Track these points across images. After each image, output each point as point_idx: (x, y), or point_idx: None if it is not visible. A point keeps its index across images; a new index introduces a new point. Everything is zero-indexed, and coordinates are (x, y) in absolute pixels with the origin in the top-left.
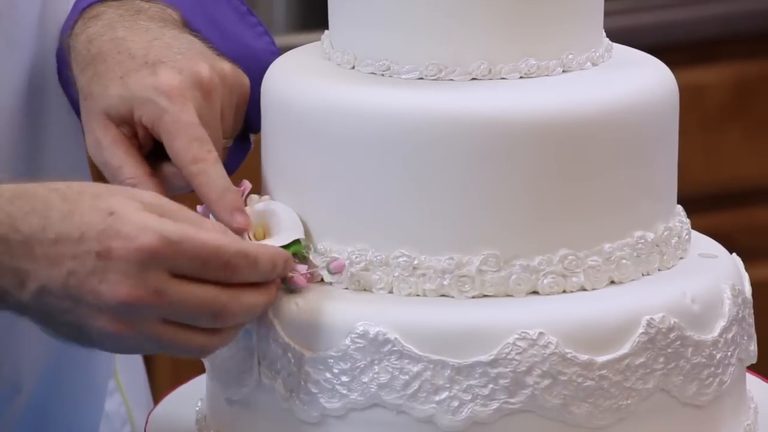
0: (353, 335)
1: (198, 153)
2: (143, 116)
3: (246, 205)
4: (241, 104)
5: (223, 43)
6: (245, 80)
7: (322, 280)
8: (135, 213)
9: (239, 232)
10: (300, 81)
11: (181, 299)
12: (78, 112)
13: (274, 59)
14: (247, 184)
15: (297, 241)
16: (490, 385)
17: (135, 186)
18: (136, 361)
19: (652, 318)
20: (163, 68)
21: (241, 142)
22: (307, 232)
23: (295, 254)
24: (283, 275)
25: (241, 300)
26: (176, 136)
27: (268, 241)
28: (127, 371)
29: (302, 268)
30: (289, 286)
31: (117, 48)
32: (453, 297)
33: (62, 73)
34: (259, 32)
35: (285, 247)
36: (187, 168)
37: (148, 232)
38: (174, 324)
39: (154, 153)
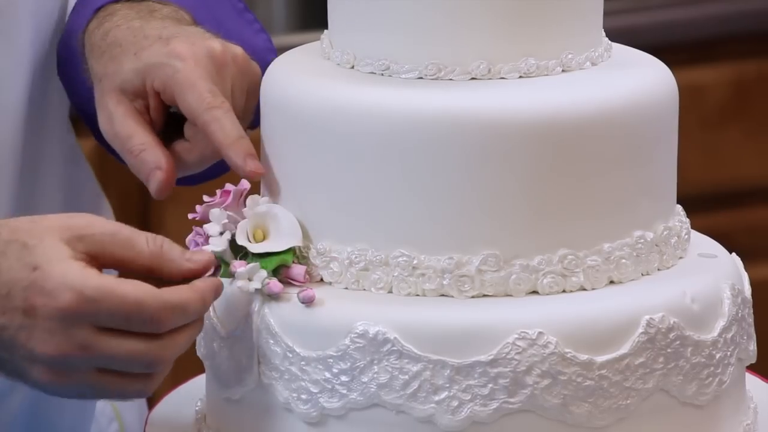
0: (353, 335)
1: (212, 101)
2: (155, 80)
3: (245, 206)
4: (253, 91)
5: (214, 21)
6: (257, 68)
7: (322, 279)
8: (58, 266)
9: (252, 177)
10: (300, 81)
11: (109, 353)
12: (78, 108)
13: (273, 56)
14: (245, 184)
15: (290, 250)
16: (490, 385)
17: (143, 151)
18: None
19: (651, 318)
20: (176, 40)
21: None
22: (306, 232)
23: (283, 263)
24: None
25: (173, 345)
26: (189, 89)
27: (265, 244)
28: None
29: (299, 269)
30: (265, 293)
31: (132, 33)
32: (453, 297)
33: (65, 69)
34: (257, 29)
35: (278, 253)
36: (201, 116)
37: (67, 291)
38: (109, 372)
39: (165, 136)
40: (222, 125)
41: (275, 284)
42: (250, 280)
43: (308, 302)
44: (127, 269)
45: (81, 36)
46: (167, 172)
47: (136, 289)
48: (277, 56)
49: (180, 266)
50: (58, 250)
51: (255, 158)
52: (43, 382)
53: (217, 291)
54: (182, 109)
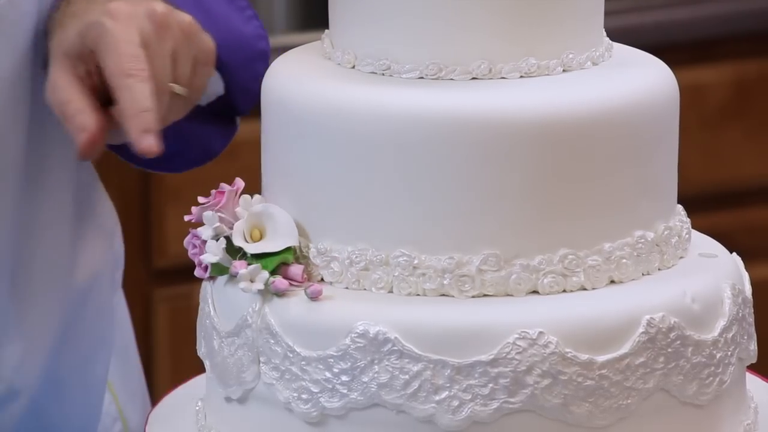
0: (353, 335)
1: (129, 67)
2: (88, 38)
3: (238, 205)
4: (202, 63)
5: (210, 26)
6: (209, 43)
7: (322, 279)
8: None
9: (144, 153)
10: (300, 81)
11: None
12: None
13: (263, 44)
14: (239, 183)
15: (289, 248)
16: (490, 385)
17: (75, 116)
18: (130, 358)
19: (652, 317)
20: (117, 1)
21: (228, 124)
22: (307, 231)
23: (284, 261)
24: None
25: None
26: (113, 50)
27: (261, 244)
28: (118, 368)
29: (297, 269)
30: (271, 291)
31: (88, 3)
32: (453, 296)
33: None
34: (249, 16)
35: (277, 253)
36: (115, 80)
37: None
38: None
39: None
40: (132, 94)
41: (281, 282)
42: (252, 281)
43: (316, 296)
44: None
45: (52, 14)
46: (91, 134)
47: None
48: (269, 43)
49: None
50: None
51: (152, 134)
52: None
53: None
54: (104, 72)
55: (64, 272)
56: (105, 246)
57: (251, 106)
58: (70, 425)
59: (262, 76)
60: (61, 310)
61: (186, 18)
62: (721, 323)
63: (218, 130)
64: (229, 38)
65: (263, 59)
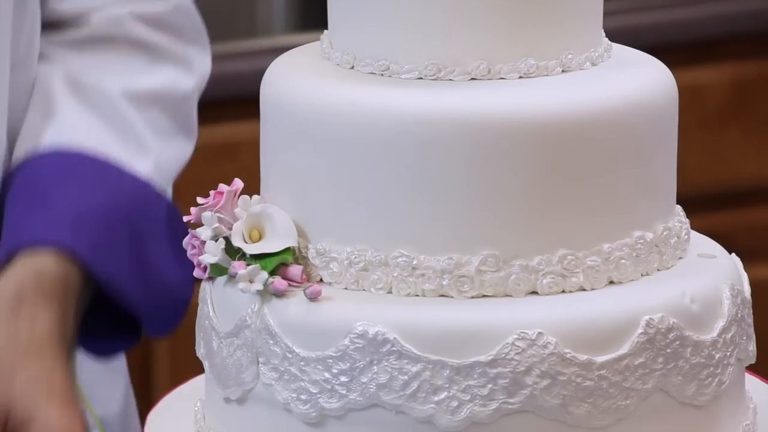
0: (352, 335)
1: None
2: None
3: (237, 206)
4: None
5: (140, 272)
6: None
7: (321, 280)
8: None
9: None
10: (299, 81)
11: None
12: None
13: (189, 292)
14: (238, 183)
15: (288, 249)
16: (489, 386)
17: None
18: (115, 364)
19: (651, 318)
20: (47, 410)
21: (134, 335)
22: (306, 232)
23: (283, 262)
24: None
25: None
26: None
27: (260, 245)
28: (93, 374)
29: (296, 269)
30: (270, 292)
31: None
32: (452, 297)
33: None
34: (181, 259)
35: (276, 253)
36: None
37: None
38: None
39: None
40: None
41: (280, 282)
42: (251, 281)
43: (315, 297)
44: None
45: None
46: None
47: None
48: (193, 293)
49: None
50: None
51: None
52: None
53: None
54: None
55: None
56: None
57: (162, 336)
58: None
59: (179, 320)
60: None
61: None
62: (720, 324)
63: (119, 340)
64: (158, 288)
65: (185, 306)
